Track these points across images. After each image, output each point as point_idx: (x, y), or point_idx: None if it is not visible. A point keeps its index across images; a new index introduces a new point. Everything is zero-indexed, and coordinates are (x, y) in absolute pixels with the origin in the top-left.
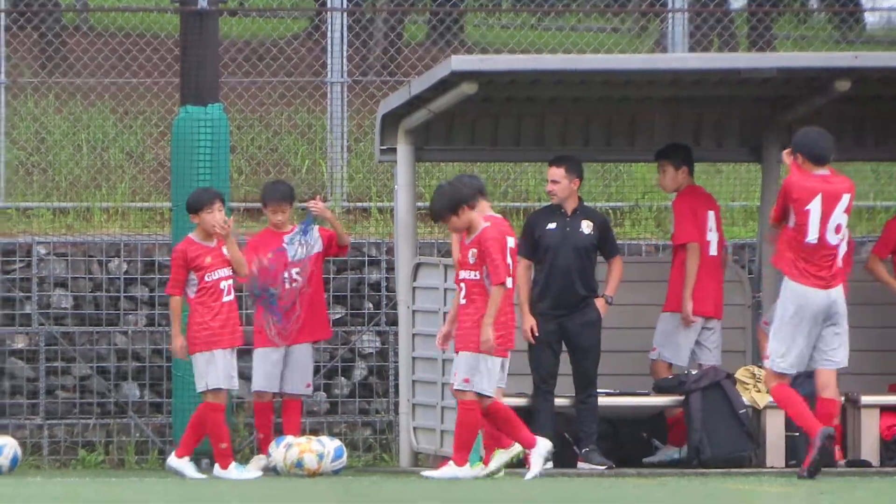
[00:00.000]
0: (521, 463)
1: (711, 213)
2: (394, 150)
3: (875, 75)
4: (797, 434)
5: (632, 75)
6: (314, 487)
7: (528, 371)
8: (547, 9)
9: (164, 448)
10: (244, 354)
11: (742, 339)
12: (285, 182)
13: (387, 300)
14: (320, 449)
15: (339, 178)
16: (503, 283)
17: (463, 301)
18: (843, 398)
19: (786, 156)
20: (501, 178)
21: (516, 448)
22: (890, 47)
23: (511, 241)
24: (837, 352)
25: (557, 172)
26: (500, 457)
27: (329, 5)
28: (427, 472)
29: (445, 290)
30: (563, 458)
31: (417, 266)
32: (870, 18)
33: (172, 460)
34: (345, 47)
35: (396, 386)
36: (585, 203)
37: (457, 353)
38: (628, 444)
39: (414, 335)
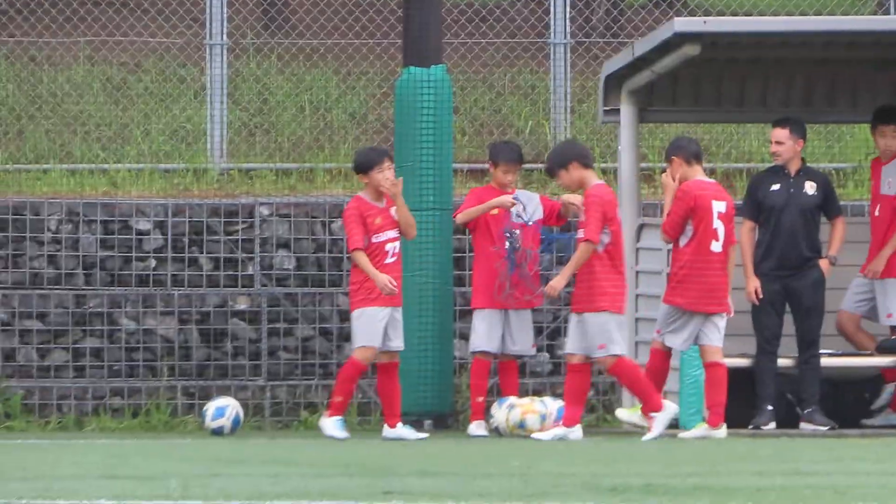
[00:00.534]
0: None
1: None
2: (617, 112)
3: None
4: None
5: (854, 36)
6: (536, 447)
7: (752, 332)
8: None
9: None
10: (465, 315)
11: None
12: (517, 144)
13: None
14: (543, 410)
15: (562, 139)
16: (589, 241)
17: None
18: None
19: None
20: (724, 139)
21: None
22: None
23: (722, 206)
24: None
25: (782, 133)
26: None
27: None
28: (536, 435)
29: (668, 251)
30: (785, 419)
31: (641, 227)
32: None
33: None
34: (568, 8)
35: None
36: (808, 164)
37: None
38: (850, 405)
39: (637, 296)
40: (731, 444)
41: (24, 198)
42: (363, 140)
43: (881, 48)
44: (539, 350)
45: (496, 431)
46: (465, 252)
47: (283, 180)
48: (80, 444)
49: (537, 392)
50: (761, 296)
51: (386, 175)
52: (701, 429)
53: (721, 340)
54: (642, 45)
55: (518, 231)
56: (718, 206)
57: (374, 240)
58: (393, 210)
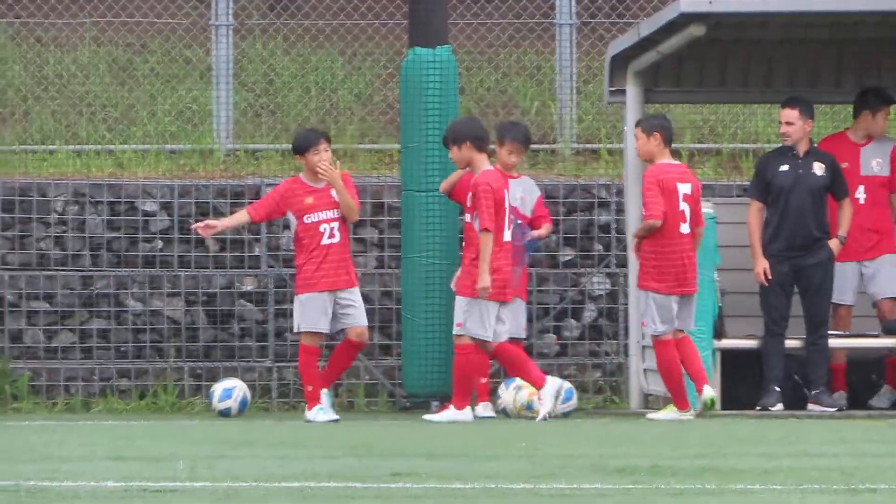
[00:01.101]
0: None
1: None
2: (623, 92)
3: None
4: None
5: (861, 16)
6: (543, 428)
7: (759, 313)
8: None
9: (393, 391)
10: None
11: None
12: (525, 125)
13: (616, 242)
14: None
15: (568, 120)
16: (486, 230)
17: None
18: None
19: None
20: (730, 119)
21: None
22: None
23: (687, 188)
24: None
25: (791, 114)
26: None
27: None
28: (427, 416)
29: None
30: (793, 400)
31: None
32: None
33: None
34: None
35: (626, 328)
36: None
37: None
38: (858, 386)
39: None
40: (739, 426)
41: (30, 179)
42: (368, 121)
43: (887, 28)
44: (545, 332)
45: (503, 413)
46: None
47: (289, 161)
48: (87, 425)
49: (544, 373)
50: (770, 277)
51: (322, 157)
52: (671, 412)
53: (693, 323)
54: (648, 26)
55: (527, 227)
56: (684, 188)
57: (305, 220)
58: (333, 192)
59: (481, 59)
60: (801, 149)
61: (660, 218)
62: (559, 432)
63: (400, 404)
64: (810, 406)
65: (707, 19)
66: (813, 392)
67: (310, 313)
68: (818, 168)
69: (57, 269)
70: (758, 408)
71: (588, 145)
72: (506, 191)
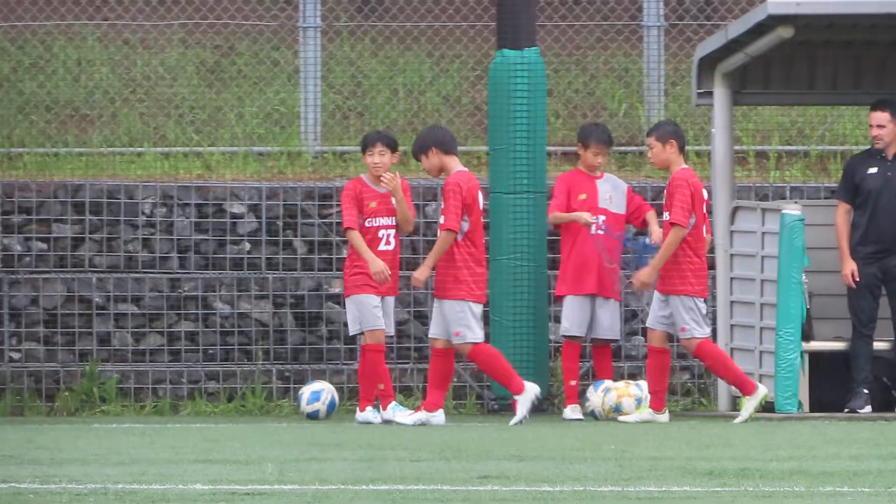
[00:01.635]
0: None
1: None
2: (710, 94)
3: None
4: None
5: None
6: (632, 431)
7: (847, 315)
8: None
9: (481, 393)
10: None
11: None
12: (606, 126)
13: None
14: (638, 393)
15: (655, 122)
16: (450, 229)
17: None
18: None
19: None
20: (819, 121)
21: (761, 391)
22: None
23: (705, 193)
24: None
25: (882, 117)
26: (748, 403)
27: None
28: (399, 418)
29: (763, 233)
30: (881, 403)
31: (735, 209)
32: None
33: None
34: None
35: (714, 330)
36: None
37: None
38: None
39: (732, 279)
40: (827, 428)
41: (118, 181)
42: (457, 123)
43: None
44: (633, 334)
45: (591, 415)
46: (559, 235)
47: None
48: (175, 428)
49: (632, 376)
50: (857, 279)
51: (375, 159)
52: (645, 413)
53: None
54: (736, 28)
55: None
56: (705, 194)
57: (366, 223)
58: (393, 200)
59: (569, 60)
60: (891, 151)
61: (686, 226)
62: (648, 435)
63: (488, 406)
64: None
65: (795, 21)
66: None
67: (368, 312)
68: None
69: (145, 272)
70: (846, 410)
71: None
72: (480, 192)
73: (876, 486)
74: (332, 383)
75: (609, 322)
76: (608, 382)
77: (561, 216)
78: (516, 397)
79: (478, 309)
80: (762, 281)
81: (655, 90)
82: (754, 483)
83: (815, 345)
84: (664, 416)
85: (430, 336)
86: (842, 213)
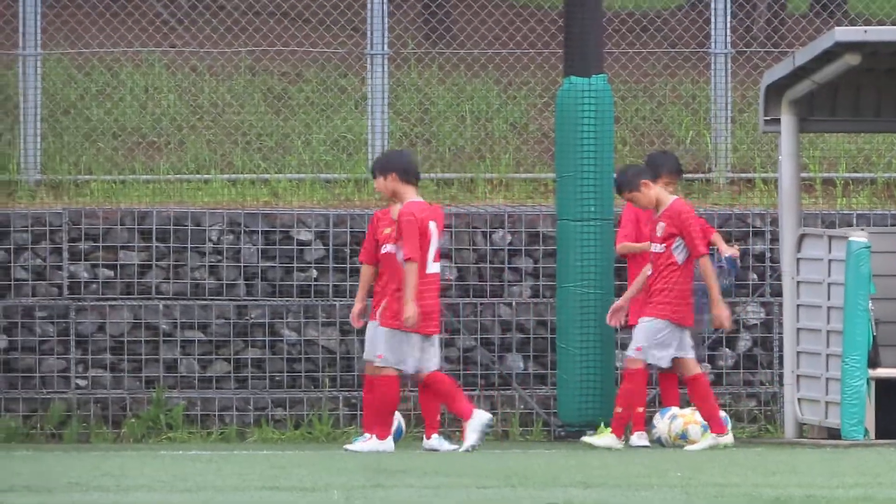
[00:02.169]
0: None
1: None
2: (778, 121)
3: None
4: None
5: None
6: (698, 458)
7: None
8: None
9: (548, 420)
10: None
11: None
12: (674, 154)
13: (771, 271)
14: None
15: (723, 149)
16: (411, 259)
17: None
18: None
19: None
20: (885, 148)
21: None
22: None
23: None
24: None
25: None
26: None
27: None
28: (348, 446)
29: (830, 261)
30: None
31: (802, 237)
32: None
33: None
34: (728, 18)
35: (781, 357)
36: None
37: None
38: None
39: (798, 306)
40: (894, 455)
41: (185, 208)
42: (523, 150)
43: None
44: (700, 361)
45: (658, 442)
46: (626, 262)
47: (444, 190)
48: (241, 455)
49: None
50: None
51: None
52: (709, 439)
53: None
54: (803, 55)
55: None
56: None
57: (381, 250)
58: None
59: (636, 87)
60: None
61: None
62: (713, 462)
63: (555, 433)
64: None
65: (862, 48)
66: None
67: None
68: None
69: (212, 299)
70: None
71: (743, 174)
72: (432, 223)
73: None
74: (398, 410)
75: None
76: (675, 409)
77: (631, 246)
78: (465, 423)
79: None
80: (829, 308)
81: (722, 117)
82: None
83: (882, 372)
84: (728, 438)
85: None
86: None
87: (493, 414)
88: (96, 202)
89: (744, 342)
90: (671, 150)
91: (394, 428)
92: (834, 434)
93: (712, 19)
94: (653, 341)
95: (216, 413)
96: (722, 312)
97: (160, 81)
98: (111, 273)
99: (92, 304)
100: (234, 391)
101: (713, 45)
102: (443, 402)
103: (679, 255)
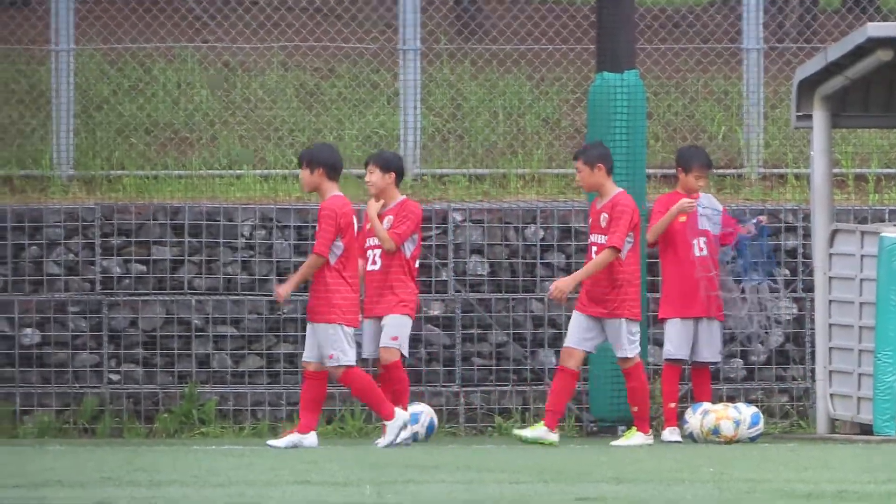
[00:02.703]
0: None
1: None
2: (810, 117)
3: None
4: None
5: None
6: (730, 454)
7: None
8: None
9: (580, 415)
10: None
11: None
12: (703, 148)
13: (803, 267)
14: (737, 416)
15: (755, 145)
16: (319, 254)
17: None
18: None
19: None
20: None
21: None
22: None
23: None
24: None
25: None
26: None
27: None
28: (272, 441)
29: (862, 256)
30: None
31: (834, 232)
32: None
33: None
34: (760, 14)
35: (813, 353)
36: None
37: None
38: None
39: (830, 302)
40: None
41: (217, 203)
42: (555, 146)
43: None
44: (732, 356)
45: (690, 438)
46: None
47: (477, 186)
48: (273, 450)
49: (731, 398)
50: None
51: (366, 178)
52: (637, 436)
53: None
54: (835, 51)
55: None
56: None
57: (368, 243)
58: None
59: (669, 83)
60: None
61: (622, 250)
62: (746, 457)
63: (587, 429)
64: None
65: (894, 44)
66: None
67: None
68: None
69: (244, 294)
70: None
71: (775, 170)
72: (354, 217)
73: None
74: (430, 405)
75: (711, 345)
76: (707, 405)
77: (658, 225)
78: (386, 423)
79: (350, 332)
80: (861, 304)
81: (755, 113)
82: None
83: None
84: (649, 439)
85: (303, 360)
86: None
87: (525, 409)
88: (129, 197)
89: (776, 338)
90: (703, 145)
91: (426, 423)
92: (866, 430)
93: (744, 15)
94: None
95: (248, 408)
96: (564, 284)
97: (193, 77)
98: (143, 268)
99: (124, 299)
100: (267, 386)
101: (745, 40)
102: (364, 399)
103: (624, 247)
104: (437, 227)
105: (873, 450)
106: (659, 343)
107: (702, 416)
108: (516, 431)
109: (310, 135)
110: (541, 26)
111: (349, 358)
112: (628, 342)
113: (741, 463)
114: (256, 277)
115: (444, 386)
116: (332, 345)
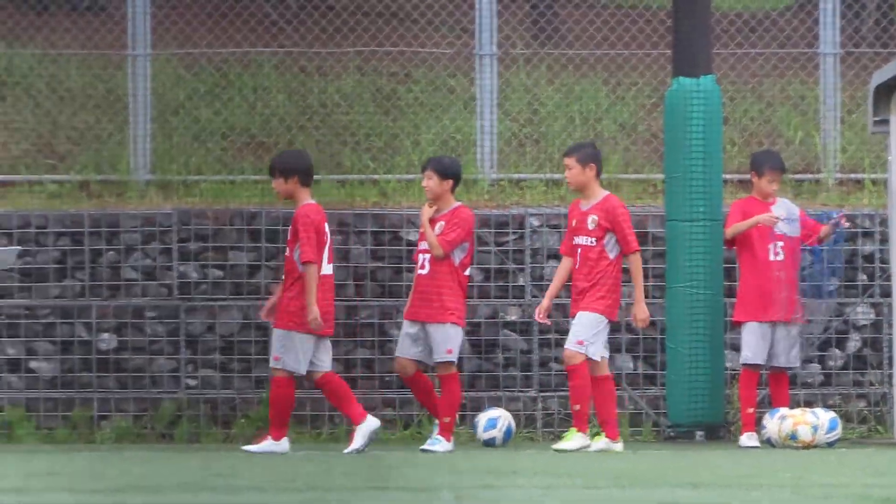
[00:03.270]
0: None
1: None
2: (887, 122)
3: None
4: None
5: None
6: (808, 459)
7: None
8: None
9: (657, 420)
10: (736, 325)
11: None
12: (777, 152)
13: (881, 272)
14: (814, 421)
15: (832, 150)
16: (310, 262)
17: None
18: None
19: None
20: None
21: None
22: None
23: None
24: None
25: None
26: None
27: None
28: (246, 447)
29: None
30: None
31: None
32: None
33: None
34: (837, 19)
35: (890, 358)
36: None
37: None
38: None
39: None
40: None
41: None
42: (632, 151)
43: None
44: (809, 361)
45: (768, 443)
46: (735, 263)
47: (553, 191)
48: (351, 455)
49: (808, 403)
50: None
51: (423, 183)
52: (601, 442)
53: None
54: None
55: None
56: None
57: (419, 246)
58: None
59: (745, 88)
60: None
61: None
62: (823, 462)
63: (664, 434)
64: None
65: None
66: None
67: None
68: None
69: None
70: None
71: (852, 175)
72: (326, 224)
73: None
74: (508, 410)
75: (789, 350)
76: (784, 410)
77: (739, 225)
78: (356, 427)
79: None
80: None
81: (831, 118)
82: None
83: None
84: (619, 445)
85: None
86: None
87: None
88: (206, 202)
89: (853, 343)
90: (779, 150)
91: (504, 428)
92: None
93: (821, 20)
94: (591, 334)
95: (326, 413)
96: (643, 312)
97: (269, 82)
98: (220, 273)
99: (201, 304)
100: None
101: (822, 45)
102: (335, 404)
103: (611, 251)
104: (513, 233)
105: None
106: (736, 348)
107: (780, 421)
108: (558, 445)
109: (386, 139)
110: (617, 31)
111: (301, 368)
112: (585, 334)
113: (819, 468)
114: (334, 283)
115: (521, 391)
116: (280, 349)
